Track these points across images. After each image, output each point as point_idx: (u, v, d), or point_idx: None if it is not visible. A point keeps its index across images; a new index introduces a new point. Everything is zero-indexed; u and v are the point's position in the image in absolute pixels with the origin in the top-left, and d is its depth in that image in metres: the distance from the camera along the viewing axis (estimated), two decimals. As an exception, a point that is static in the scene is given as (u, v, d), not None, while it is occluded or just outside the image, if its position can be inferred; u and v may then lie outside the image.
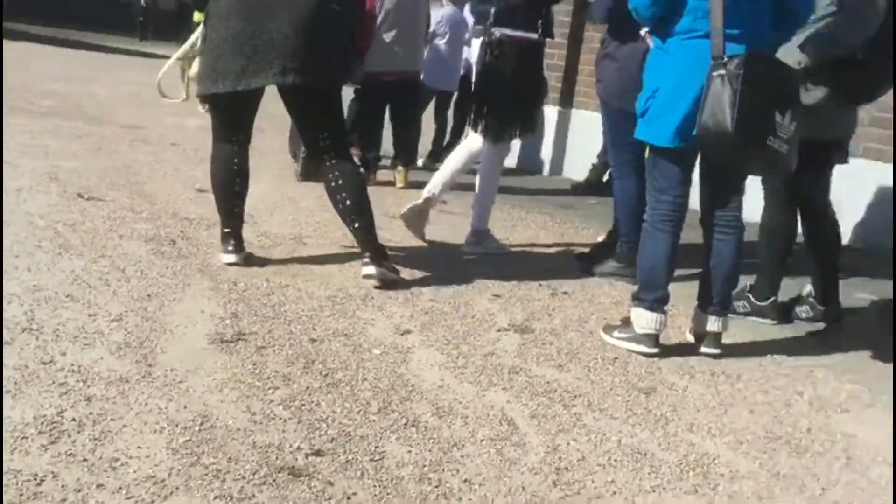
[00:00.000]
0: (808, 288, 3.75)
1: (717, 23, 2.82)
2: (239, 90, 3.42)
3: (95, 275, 3.30)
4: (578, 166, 7.04)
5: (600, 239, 4.74)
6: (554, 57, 7.41)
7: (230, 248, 3.69)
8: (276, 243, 4.15)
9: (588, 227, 5.45)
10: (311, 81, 3.41)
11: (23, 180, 4.55)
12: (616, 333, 3.35)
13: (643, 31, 3.33)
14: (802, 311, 3.73)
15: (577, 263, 4.35)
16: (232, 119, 3.61)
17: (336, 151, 3.57)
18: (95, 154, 5.57)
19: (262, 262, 3.79)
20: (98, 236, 3.79)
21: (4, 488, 1.85)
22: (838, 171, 3.64)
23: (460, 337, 3.25)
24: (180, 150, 6.33)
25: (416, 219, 4.47)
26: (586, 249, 4.57)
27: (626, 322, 3.33)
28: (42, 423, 2.16)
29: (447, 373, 2.90)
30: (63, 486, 1.88)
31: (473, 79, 4.68)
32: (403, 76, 6.04)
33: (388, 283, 3.63)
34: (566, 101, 7.43)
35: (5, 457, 1.98)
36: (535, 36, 4.17)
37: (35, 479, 1.89)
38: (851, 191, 5.35)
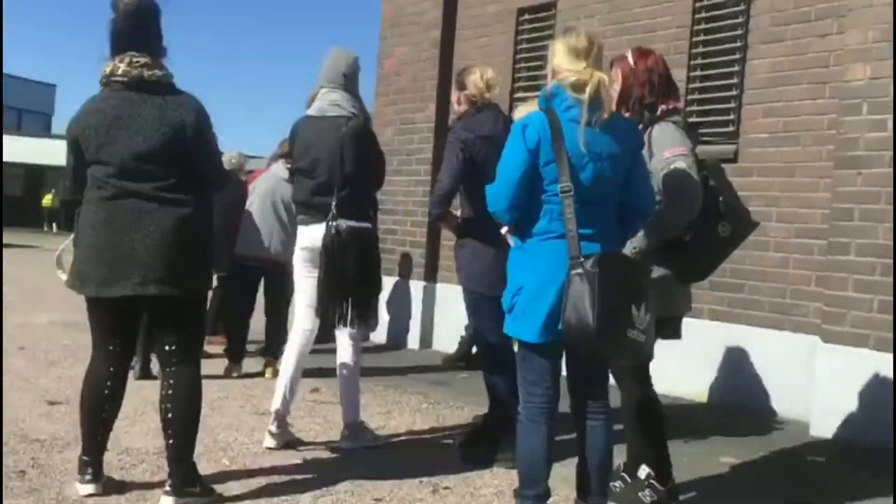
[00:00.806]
0: (645, 470, 3.75)
1: (571, 226, 3.01)
2: (101, 297, 3.31)
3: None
4: (447, 338, 7.14)
5: (477, 418, 4.76)
6: (416, 234, 7.65)
7: (88, 476, 3.42)
8: (138, 461, 3.90)
9: (463, 404, 5.47)
10: (171, 292, 3.33)
11: None
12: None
13: (503, 231, 3.50)
14: (645, 496, 3.71)
15: (458, 452, 4.31)
16: (104, 323, 3.44)
17: (179, 360, 3.43)
18: (-69, 369, 5.15)
19: (124, 486, 3.54)
20: (-65, 475, 3.44)
21: None
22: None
23: (344, 554, 3.11)
24: (29, 354, 5.97)
25: (281, 438, 4.33)
26: (464, 435, 4.56)
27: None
28: None
29: None
30: None
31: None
32: (273, 261, 6.04)
33: None
34: (430, 275, 7.62)
35: None
36: (370, 226, 4.33)
37: None
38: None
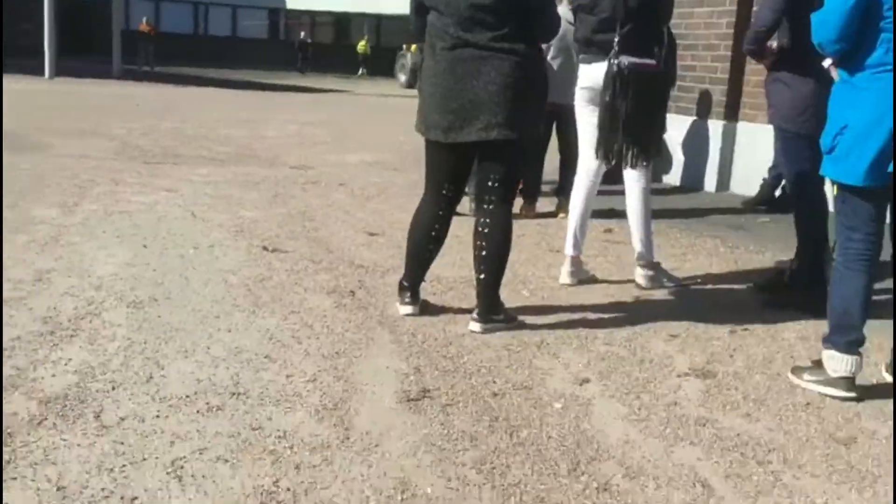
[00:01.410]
0: None
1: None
2: (447, 143, 3.56)
3: (287, 333, 3.51)
4: (746, 181, 6.78)
5: (780, 264, 4.55)
6: (717, 70, 7.19)
7: (407, 299, 3.82)
8: (448, 288, 4.25)
9: (763, 250, 5.24)
10: (512, 136, 3.49)
11: (213, 235, 4.90)
12: (807, 376, 3.21)
13: (826, 63, 3.17)
14: None
15: (760, 295, 4.19)
16: (442, 167, 3.71)
17: (498, 198, 3.62)
18: (272, 202, 5.92)
19: (437, 310, 3.90)
20: (285, 291, 4.02)
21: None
22: None
23: (640, 385, 3.22)
24: (348, 190, 6.62)
25: (576, 277, 4.44)
26: (765, 278, 4.40)
27: (818, 364, 3.18)
28: (261, 493, 2.32)
29: (631, 427, 2.87)
30: (288, 566, 2.01)
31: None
32: (566, 105, 6.04)
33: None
34: (731, 114, 7.18)
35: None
36: (654, 62, 4.10)
37: (262, 558, 2.04)
38: None
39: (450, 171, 3.70)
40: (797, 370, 3.27)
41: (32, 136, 7.66)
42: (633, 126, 4.10)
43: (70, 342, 3.24)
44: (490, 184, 3.61)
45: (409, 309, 3.81)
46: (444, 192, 3.72)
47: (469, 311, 3.76)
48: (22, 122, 8.31)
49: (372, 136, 9.00)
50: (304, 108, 10.93)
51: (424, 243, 3.79)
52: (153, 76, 14.87)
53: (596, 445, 2.73)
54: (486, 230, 3.63)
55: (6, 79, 12.76)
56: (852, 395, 3.09)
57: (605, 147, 4.19)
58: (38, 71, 13.84)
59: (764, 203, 6.39)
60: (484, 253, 3.65)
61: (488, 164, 3.61)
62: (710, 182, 7.28)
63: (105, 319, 3.49)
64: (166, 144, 7.94)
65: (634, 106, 4.07)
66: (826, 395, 3.12)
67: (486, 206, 3.64)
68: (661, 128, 4.43)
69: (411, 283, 3.84)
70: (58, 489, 2.27)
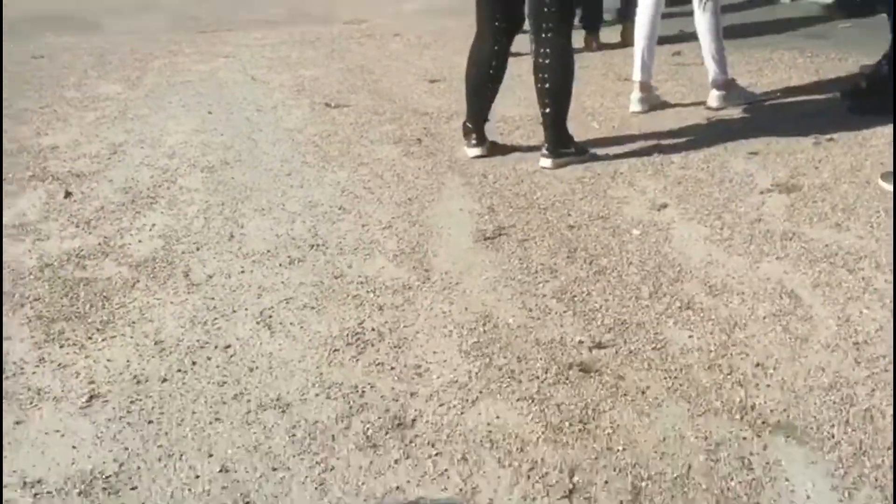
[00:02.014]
0: None
1: None
2: None
3: (359, 184, 3.51)
4: (826, -14, 6.28)
5: (865, 68, 4.27)
6: None
7: (473, 141, 3.75)
8: (514, 127, 4.16)
9: (847, 56, 4.91)
10: None
11: (276, 96, 4.87)
12: (898, 181, 3.06)
13: None
14: None
15: (845, 102, 3.96)
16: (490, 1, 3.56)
17: (555, 25, 3.44)
18: (330, 58, 5.81)
19: (505, 149, 3.83)
20: (352, 144, 4.00)
21: (333, 400, 2.10)
22: None
23: (721, 205, 3.13)
24: (404, 39, 6.43)
25: (647, 103, 4.26)
26: (850, 84, 4.15)
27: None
28: (347, 334, 2.39)
29: (713, 246, 2.82)
30: (382, 396, 2.09)
31: None
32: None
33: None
34: (806, -88, 6.57)
35: (323, 370, 2.23)
36: None
37: (357, 391, 2.12)
38: None
39: (500, 2, 3.52)
40: (886, 175, 3.13)
41: (87, 16, 7.65)
42: None
43: (151, 209, 3.32)
44: (545, 10, 3.43)
45: (476, 151, 3.75)
46: (496, 23, 3.56)
47: (538, 148, 3.68)
48: (74, 5, 8.29)
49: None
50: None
51: (483, 81, 3.68)
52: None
53: (678, 267, 2.69)
54: (545, 61, 3.48)
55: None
56: (948, 196, 2.95)
57: None
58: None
59: (845, 6, 5.94)
60: (547, 86, 3.52)
61: None
62: (787, -9, 6.78)
63: (181, 185, 3.55)
64: (219, 13, 7.83)
65: None
66: (919, 199, 2.98)
67: (543, 36, 3.48)
68: None
69: (475, 124, 3.75)
70: (155, 343, 2.38)
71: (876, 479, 1.77)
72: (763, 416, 1.97)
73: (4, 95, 4.97)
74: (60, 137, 4.22)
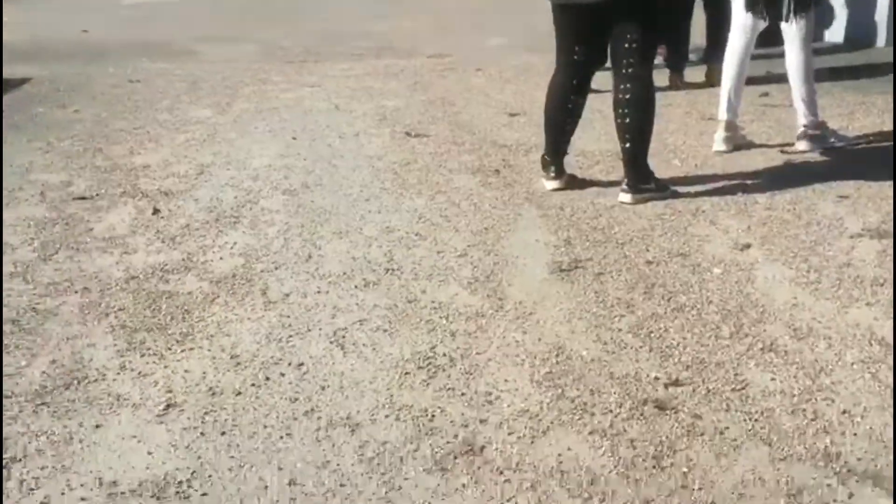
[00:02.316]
0: None
1: None
2: (570, 4, 3.39)
3: (436, 212, 3.53)
4: (923, 31, 6.11)
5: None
6: None
7: (552, 174, 3.73)
8: (593, 162, 4.13)
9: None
10: None
11: (357, 124, 4.95)
12: None
13: None
14: None
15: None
16: (570, 30, 3.54)
17: (636, 60, 3.41)
18: (413, 89, 5.89)
19: (584, 183, 3.80)
20: (430, 173, 4.03)
21: (402, 422, 2.09)
22: None
23: (808, 247, 3.04)
24: (485, 74, 6.49)
25: (732, 143, 4.18)
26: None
27: None
28: (419, 358, 2.39)
29: (799, 289, 2.73)
30: (451, 421, 2.07)
31: None
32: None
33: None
34: (903, -44, 6.42)
35: (394, 392, 2.22)
36: None
37: (426, 414, 2.10)
38: None
39: (579, 33, 3.51)
40: None
41: (182, 44, 7.96)
42: None
43: (234, 228, 3.40)
44: (626, 46, 3.41)
45: (554, 184, 3.73)
46: (574, 56, 3.55)
47: (617, 183, 3.65)
48: (169, 33, 8.65)
49: (506, 21, 8.76)
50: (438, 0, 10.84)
51: (561, 115, 3.67)
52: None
53: (761, 308, 2.61)
54: (626, 96, 3.46)
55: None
56: None
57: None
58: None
59: (945, 53, 5.75)
60: (627, 120, 3.49)
61: (622, 25, 3.40)
62: (880, 36, 6.61)
63: (263, 206, 3.63)
64: (307, 44, 8.05)
65: None
66: None
67: (624, 72, 3.46)
68: None
69: (553, 158, 3.74)
70: (231, 357, 2.42)
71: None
72: (849, 464, 1.88)
73: (102, 116, 5.20)
74: (152, 157, 4.38)
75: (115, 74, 6.55)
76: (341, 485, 1.87)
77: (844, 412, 2.05)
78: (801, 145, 4.15)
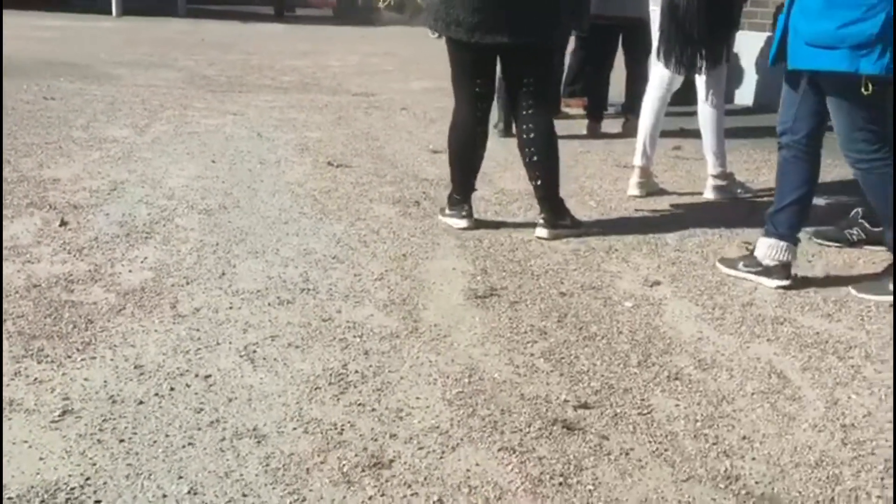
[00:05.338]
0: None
1: None
2: (472, 42, 3.46)
3: (355, 237, 3.52)
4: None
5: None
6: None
7: (463, 212, 3.74)
8: (512, 199, 4.21)
9: (839, 163, 5.02)
10: (540, 41, 3.41)
11: (279, 152, 4.93)
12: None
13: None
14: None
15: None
16: (469, 66, 3.60)
17: (535, 101, 3.54)
18: (336, 124, 5.91)
19: (501, 220, 3.85)
20: (351, 201, 4.03)
21: (310, 434, 2.05)
22: None
23: (713, 287, 3.15)
24: (410, 113, 6.56)
25: (645, 188, 4.34)
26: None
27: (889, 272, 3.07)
28: (330, 374, 2.35)
29: (704, 324, 2.82)
30: (361, 435, 2.04)
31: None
32: (631, 19, 5.84)
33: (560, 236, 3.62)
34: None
35: (303, 406, 2.18)
36: None
37: (335, 428, 2.07)
38: None
39: (476, 69, 3.59)
40: (862, 287, 3.15)
41: (102, 67, 7.80)
42: (698, 30, 3.96)
43: (145, 243, 3.31)
44: (524, 90, 3.53)
45: (464, 223, 3.72)
46: (476, 89, 3.63)
47: (534, 221, 3.71)
48: (92, 56, 8.47)
49: (433, 65, 8.92)
50: (369, 41, 10.92)
51: (470, 150, 3.72)
52: (217, 14, 15.00)
53: (668, 340, 2.68)
54: (530, 136, 3.56)
55: (75, 17, 12.99)
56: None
57: (668, 52, 4.06)
58: (106, 9, 14.05)
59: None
60: (535, 159, 3.58)
61: (517, 69, 3.53)
62: (786, 102, 6.98)
63: (178, 224, 3.55)
64: (232, 74, 8.01)
65: (700, 12, 3.92)
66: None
67: (524, 113, 3.56)
68: (727, 34, 4.25)
69: (463, 195, 3.76)
70: (135, 367, 2.34)
71: (860, 557, 1.72)
72: (748, 487, 1.93)
73: (12, 130, 5.02)
74: (63, 171, 4.25)
75: (29, 91, 6.36)
76: (244, 494, 1.81)
77: (744, 438, 2.11)
78: (710, 194, 4.33)
